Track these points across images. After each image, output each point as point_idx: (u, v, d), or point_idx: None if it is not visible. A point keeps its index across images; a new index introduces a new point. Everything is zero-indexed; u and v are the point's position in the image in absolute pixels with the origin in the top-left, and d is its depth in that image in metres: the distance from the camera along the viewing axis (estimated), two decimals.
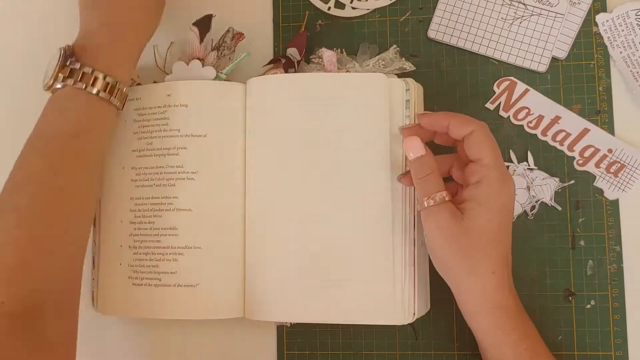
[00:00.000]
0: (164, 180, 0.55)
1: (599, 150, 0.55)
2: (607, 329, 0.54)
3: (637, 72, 0.55)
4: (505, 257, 0.48)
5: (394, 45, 0.57)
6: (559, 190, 0.56)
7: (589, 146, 0.55)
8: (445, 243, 0.48)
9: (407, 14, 0.59)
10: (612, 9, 0.56)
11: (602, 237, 0.55)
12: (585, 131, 0.55)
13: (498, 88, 0.57)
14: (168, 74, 0.57)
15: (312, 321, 0.55)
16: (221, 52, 0.57)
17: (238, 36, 0.58)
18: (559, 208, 0.56)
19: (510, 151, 0.56)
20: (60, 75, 0.50)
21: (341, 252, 0.53)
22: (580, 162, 0.55)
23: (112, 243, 0.56)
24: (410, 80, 0.54)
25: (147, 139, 0.56)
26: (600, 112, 0.56)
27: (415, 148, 0.49)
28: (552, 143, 0.56)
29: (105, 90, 0.51)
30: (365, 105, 0.53)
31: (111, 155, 0.57)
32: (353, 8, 0.60)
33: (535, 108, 0.56)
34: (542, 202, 0.56)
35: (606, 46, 0.56)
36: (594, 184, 0.55)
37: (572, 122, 0.56)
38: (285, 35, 0.61)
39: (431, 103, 0.57)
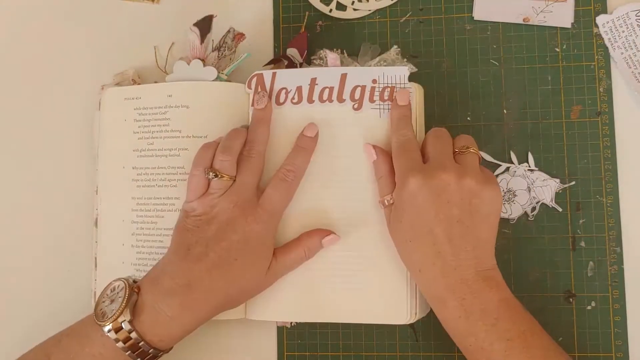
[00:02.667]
0: (165, 181, 0.55)
1: (365, 86, 0.53)
2: (607, 331, 0.54)
3: (639, 73, 0.55)
4: (433, 250, 0.47)
5: (395, 46, 0.57)
6: (560, 192, 0.56)
7: (355, 87, 0.53)
8: (391, 235, 0.51)
9: (408, 15, 0.59)
10: (612, 10, 0.56)
11: (602, 239, 0.55)
12: (344, 76, 0.53)
13: (250, 88, 0.55)
14: (168, 75, 0.58)
15: (312, 321, 0.55)
16: (222, 53, 0.57)
17: (239, 37, 0.58)
18: (560, 209, 0.56)
19: (511, 152, 0.56)
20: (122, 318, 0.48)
21: (342, 253, 0.53)
22: (355, 106, 0.53)
23: (114, 242, 0.56)
24: (410, 82, 0.54)
25: (148, 139, 0.56)
26: (600, 113, 0.56)
27: (369, 153, 0.52)
28: (321, 105, 0.54)
29: (125, 343, 0.48)
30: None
31: (111, 154, 0.57)
32: (355, 9, 0.60)
33: (290, 83, 0.54)
34: (542, 203, 0.56)
35: (607, 47, 0.56)
36: (380, 117, 0.53)
37: (327, 75, 0.54)
38: (286, 36, 0.61)
39: (431, 104, 0.57)
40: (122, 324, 0.47)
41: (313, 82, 0.53)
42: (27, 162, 0.63)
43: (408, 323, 0.52)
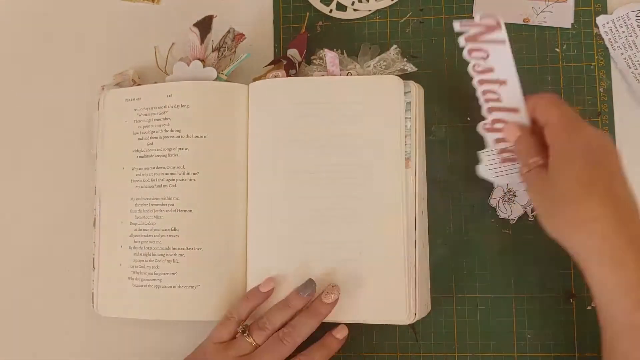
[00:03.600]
0: (164, 181, 0.55)
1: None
2: None
3: (639, 73, 0.55)
4: (612, 200, 0.44)
5: (395, 45, 0.57)
6: None
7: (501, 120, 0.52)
8: (540, 201, 0.48)
9: (408, 15, 0.59)
10: (612, 11, 0.56)
11: None
12: (515, 110, 0.51)
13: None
14: (169, 75, 0.58)
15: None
16: (222, 53, 0.57)
17: (239, 37, 0.58)
18: None
19: None
20: None
21: (343, 254, 0.53)
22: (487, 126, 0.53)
23: (113, 244, 0.56)
24: (411, 82, 0.54)
25: (147, 140, 0.56)
26: (600, 114, 0.56)
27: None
28: (479, 94, 0.52)
29: None
30: (374, 108, 0.53)
31: (111, 155, 0.57)
32: (355, 10, 0.60)
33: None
34: None
35: (607, 47, 0.56)
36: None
37: (510, 94, 0.51)
38: (286, 36, 0.61)
39: (431, 105, 0.57)
40: None
41: None
42: (26, 162, 0.63)
43: (408, 323, 0.52)
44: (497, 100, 0.51)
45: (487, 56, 0.50)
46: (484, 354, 0.55)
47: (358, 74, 0.55)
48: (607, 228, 0.44)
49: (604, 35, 0.56)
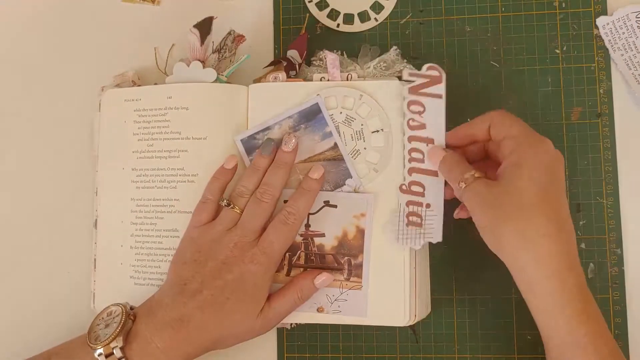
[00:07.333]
0: (165, 182, 0.55)
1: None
2: None
3: (639, 74, 0.55)
4: (560, 221, 0.44)
5: (395, 47, 0.57)
6: None
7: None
8: (487, 210, 0.45)
9: (408, 17, 0.59)
10: (612, 12, 0.56)
11: (603, 240, 0.55)
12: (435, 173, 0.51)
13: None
14: (168, 76, 0.58)
15: (313, 322, 0.55)
16: (222, 55, 0.57)
17: (239, 38, 0.58)
18: None
19: None
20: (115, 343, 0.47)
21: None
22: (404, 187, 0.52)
23: (113, 242, 0.56)
24: None
25: (147, 141, 0.56)
26: (601, 115, 0.56)
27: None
28: (405, 153, 0.52)
29: None
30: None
31: (111, 155, 0.57)
32: (362, 22, 0.60)
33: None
34: None
35: (607, 49, 0.56)
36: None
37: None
38: (286, 37, 0.61)
39: None
40: (114, 349, 0.47)
41: None
42: (27, 163, 0.63)
43: (408, 325, 0.52)
44: (421, 161, 0.51)
45: (423, 110, 0.51)
46: (484, 355, 0.55)
47: (358, 75, 0.55)
48: (555, 244, 0.44)
49: (604, 37, 0.56)
